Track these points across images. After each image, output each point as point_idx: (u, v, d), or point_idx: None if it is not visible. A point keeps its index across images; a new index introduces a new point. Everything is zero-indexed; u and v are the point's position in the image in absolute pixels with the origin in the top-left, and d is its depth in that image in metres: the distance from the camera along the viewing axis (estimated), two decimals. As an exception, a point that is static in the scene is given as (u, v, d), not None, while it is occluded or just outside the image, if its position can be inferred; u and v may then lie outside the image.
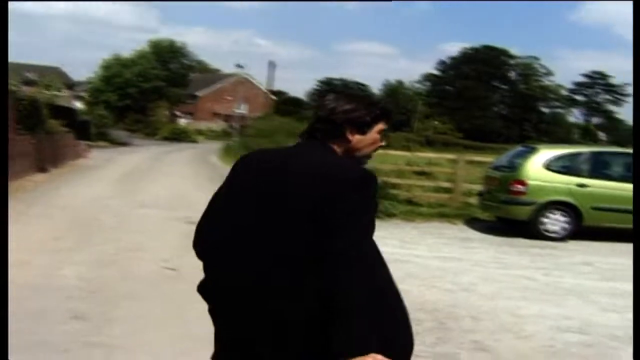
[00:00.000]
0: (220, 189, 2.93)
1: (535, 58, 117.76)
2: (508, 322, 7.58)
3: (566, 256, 12.02)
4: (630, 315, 8.07)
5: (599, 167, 14.70)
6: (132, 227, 12.56)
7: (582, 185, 13.96)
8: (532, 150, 14.95)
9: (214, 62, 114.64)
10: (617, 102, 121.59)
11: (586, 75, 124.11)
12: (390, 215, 15.61)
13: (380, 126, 2.94)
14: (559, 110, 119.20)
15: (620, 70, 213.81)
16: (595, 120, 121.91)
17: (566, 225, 13.92)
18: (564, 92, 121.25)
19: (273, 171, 2.74)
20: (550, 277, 10.10)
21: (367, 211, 2.64)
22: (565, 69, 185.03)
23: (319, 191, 2.58)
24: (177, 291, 7.87)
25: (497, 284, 9.45)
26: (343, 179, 2.62)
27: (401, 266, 10.19)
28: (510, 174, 14.53)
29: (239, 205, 2.78)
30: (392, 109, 3.27)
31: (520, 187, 14.01)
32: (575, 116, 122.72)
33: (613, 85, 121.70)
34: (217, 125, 78.10)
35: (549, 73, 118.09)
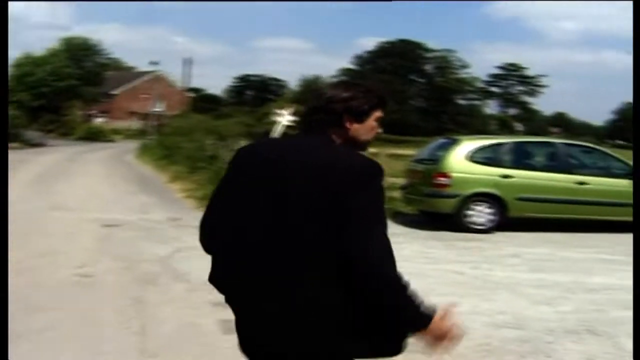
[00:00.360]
0: (221, 183, 3.01)
1: (451, 51, 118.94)
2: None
3: (493, 248, 11.82)
4: (563, 308, 7.99)
5: (521, 158, 14.59)
6: (44, 230, 11.94)
7: (505, 176, 13.79)
8: (454, 142, 14.70)
9: (129, 60, 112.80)
10: (531, 93, 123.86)
11: (501, 67, 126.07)
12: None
13: (378, 114, 2.96)
14: (476, 102, 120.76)
15: (533, 62, 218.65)
16: (511, 111, 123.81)
17: (491, 217, 13.74)
18: (480, 84, 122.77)
19: (278, 164, 2.77)
20: (479, 271, 9.86)
21: (380, 200, 2.74)
22: (480, 61, 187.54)
23: (330, 184, 2.64)
24: (92, 300, 7.40)
25: (427, 280, 9.13)
26: (353, 171, 2.69)
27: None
28: (432, 167, 14.25)
29: (246, 200, 2.82)
30: (388, 96, 3.13)
31: (443, 180, 13.74)
32: (491, 108, 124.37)
33: (527, 77, 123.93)
34: (134, 124, 76.74)
35: (464, 66, 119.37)
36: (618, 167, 14.92)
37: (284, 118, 19.14)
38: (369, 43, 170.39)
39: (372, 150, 17.98)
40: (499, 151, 14.32)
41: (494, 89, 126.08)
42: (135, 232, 12.02)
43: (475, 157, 13.95)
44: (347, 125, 2.88)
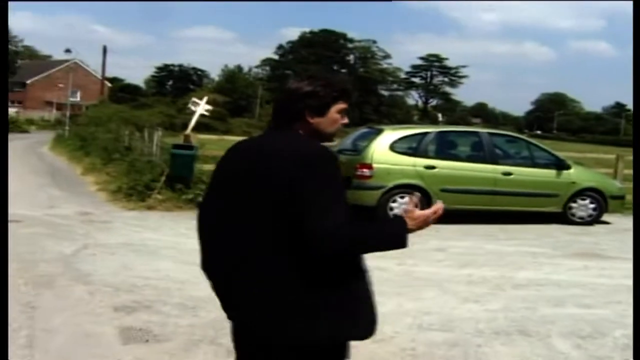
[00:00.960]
0: (211, 179, 3.27)
1: (373, 42, 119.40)
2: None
3: (417, 242, 11.12)
4: (492, 306, 7.56)
5: (445, 148, 14.16)
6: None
7: (429, 167, 13.35)
8: (376, 132, 14.12)
9: (47, 49, 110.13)
10: (452, 84, 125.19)
11: (422, 58, 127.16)
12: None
13: (340, 105, 3.11)
14: (398, 92, 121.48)
15: (454, 53, 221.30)
16: (432, 101, 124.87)
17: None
18: (402, 75, 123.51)
19: (249, 157, 3.04)
20: (404, 267, 9.35)
21: (334, 183, 2.89)
22: (402, 52, 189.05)
23: (286, 171, 2.85)
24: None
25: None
26: (306, 158, 2.88)
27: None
28: (354, 158, 13.66)
29: (222, 191, 3.10)
30: (351, 87, 3.26)
31: (365, 171, 13.17)
32: (413, 98, 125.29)
33: (448, 68, 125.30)
34: (50, 114, 74.82)
35: (387, 56, 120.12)
36: (543, 157, 14.67)
37: (200, 107, 18.44)
38: (291, 33, 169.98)
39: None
40: (422, 141, 13.80)
41: (415, 79, 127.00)
42: (39, 228, 11.23)
43: (398, 148, 13.43)
44: (309, 119, 3.05)
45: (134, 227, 11.80)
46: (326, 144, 3.07)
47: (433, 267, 9.40)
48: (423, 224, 3.01)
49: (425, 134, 14.12)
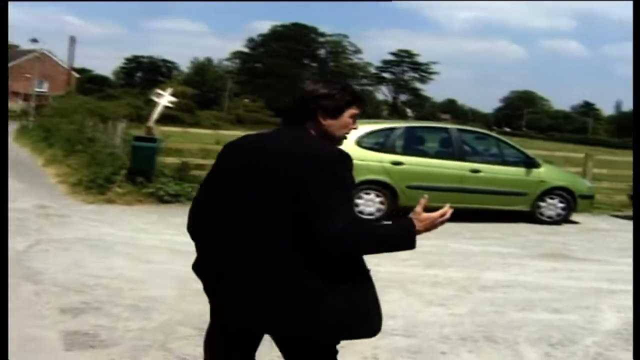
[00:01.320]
0: (209, 174, 3.27)
1: (345, 36, 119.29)
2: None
3: None
4: (458, 310, 7.26)
5: (413, 143, 13.88)
6: None
7: (396, 163, 13.06)
8: None
9: (15, 39, 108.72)
10: (422, 80, 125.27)
11: (393, 54, 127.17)
12: (191, 199, 14.17)
13: (352, 111, 3.19)
14: (368, 87, 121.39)
15: (425, 49, 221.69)
16: (402, 97, 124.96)
17: (381, 206, 13.00)
18: (373, 70, 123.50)
19: (256, 153, 3.06)
20: (368, 266, 9.06)
21: (346, 185, 2.99)
22: (373, 47, 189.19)
23: (298, 170, 2.90)
24: None
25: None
26: (321, 159, 2.94)
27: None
28: None
29: (226, 187, 3.09)
30: (365, 95, 3.10)
31: None
32: (383, 93, 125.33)
33: (419, 64, 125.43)
34: (17, 105, 73.74)
35: (357, 51, 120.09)
36: (512, 155, 14.46)
37: (164, 99, 18.04)
38: (262, 26, 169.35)
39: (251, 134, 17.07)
40: (389, 137, 13.50)
41: (386, 74, 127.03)
42: (-9, 222, 10.78)
43: (365, 143, 13.09)
44: (321, 120, 3.11)
45: (92, 221, 11.41)
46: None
47: (397, 267, 9.06)
48: (430, 225, 3.11)
49: (393, 129, 13.83)
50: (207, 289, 3.31)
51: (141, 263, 8.47)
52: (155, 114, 17.61)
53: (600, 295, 8.26)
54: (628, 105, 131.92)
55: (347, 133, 3.26)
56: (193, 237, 3.31)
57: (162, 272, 8.13)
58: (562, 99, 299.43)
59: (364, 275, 3.19)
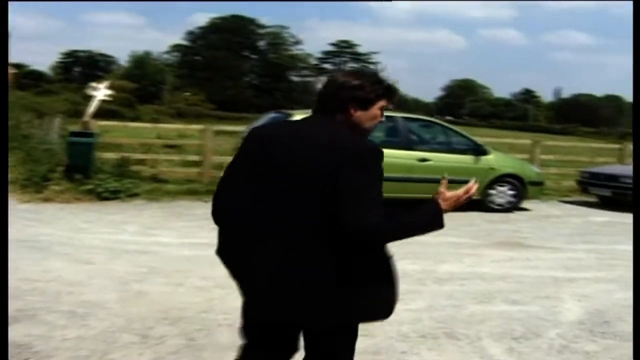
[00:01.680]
0: (234, 159, 3.27)
1: (284, 27, 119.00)
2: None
3: None
4: (415, 305, 6.94)
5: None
6: None
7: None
8: (285, 117, 13.38)
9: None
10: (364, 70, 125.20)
11: (334, 44, 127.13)
12: (132, 195, 13.71)
13: (382, 103, 3.20)
14: (309, 78, 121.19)
15: (365, 39, 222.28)
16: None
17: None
18: (313, 61, 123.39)
19: (288, 142, 3.07)
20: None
21: (377, 180, 3.00)
22: (313, 38, 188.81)
23: (332, 162, 2.93)
24: None
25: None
26: (353, 151, 2.97)
27: (142, 259, 8.50)
28: None
29: (256, 175, 3.09)
30: (396, 88, 3.34)
31: None
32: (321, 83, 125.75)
33: (360, 54, 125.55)
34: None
35: (298, 42, 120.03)
36: (460, 143, 14.23)
37: (100, 93, 17.44)
38: (201, 19, 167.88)
39: (199, 127, 16.40)
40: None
41: (327, 65, 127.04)
42: None
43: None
44: (352, 111, 3.13)
45: (28, 221, 10.85)
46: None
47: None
48: (455, 203, 3.19)
49: (288, 115, 13.40)
50: (233, 275, 3.30)
51: (80, 264, 8.02)
52: (92, 108, 16.99)
53: (559, 284, 8.03)
54: (567, 92, 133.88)
55: (375, 125, 3.26)
56: (217, 222, 3.33)
57: (102, 273, 7.68)
58: (502, 87, 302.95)
59: (387, 259, 3.22)
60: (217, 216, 3.33)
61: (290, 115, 13.37)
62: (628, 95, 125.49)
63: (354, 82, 3.15)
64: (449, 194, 3.17)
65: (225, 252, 3.31)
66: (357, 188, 2.90)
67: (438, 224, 3.13)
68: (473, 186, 3.23)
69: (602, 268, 9.11)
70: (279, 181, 3.03)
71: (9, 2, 5.64)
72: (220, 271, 8.04)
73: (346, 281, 3.02)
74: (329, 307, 3.05)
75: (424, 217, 3.12)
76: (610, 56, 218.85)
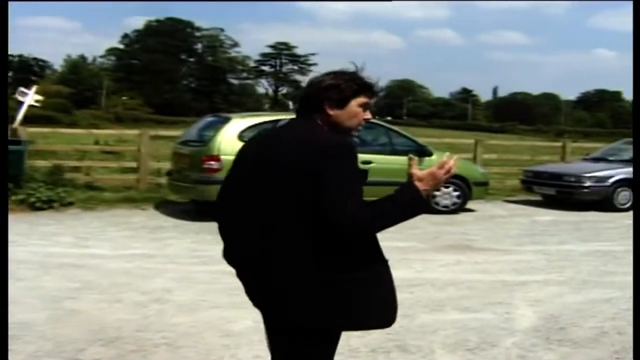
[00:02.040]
0: (232, 166, 3.33)
1: (221, 30, 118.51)
2: (217, 346, 5.70)
3: None
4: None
5: None
6: None
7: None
8: (223, 121, 12.89)
9: None
10: (302, 72, 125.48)
11: (272, 47, 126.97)
12: (66, 204, 13.19)
13: (361, 100, 3.18)
14: (248, 81, 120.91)
15: (303, 41, 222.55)
16: (283, 89, 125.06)
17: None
18: (252, 64, 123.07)
19: (268, 144, 3.16)
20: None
21: (352, 172, 2.98)
22: (251, 41, 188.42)
23: (307, 161, 2.94)
24: None
25: (198, 287, 7.56)
26: (327, 147, 2.97)
27: (75, 273, 8.06)
28: (200, 149, 12.49)
29: (242, 178, 3.20)
30: (373, 82, 3.25)
31: (213, 164, 11.96)
32: (263, 86, 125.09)
33: (298, 56, 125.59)
34: None
35: (235, 44, 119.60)
36: (403, 144, 13.93)
37: (28, 98, 16.81)
38: (137, 22, 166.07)
39: (134, 131, 15.91)
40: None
41: (265, 67, 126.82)
42: None
43: (248, 137, 12.23)
44: (328, 111, 3.12)
45: (-46, 235, 10.30)
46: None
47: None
48: (434, 181, 3.07)
49: (277, 121, 12.98)
50: (238, 274, 3.30)
51: (12, 280, 7.55)
52: (21, 114, 16.37)
53: (510, 289, 7.80)
54: (504, 91, 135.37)
55: (359, 123, 3.23)
56: (219, 229, 3.34)
57: (32, 290, 7.23)
58: (441, 87, 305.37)
59: (382, 265, 3.17)
60: (218, 224, 3.37)
61: (227, 118, 12.96)
62: (563, 94, 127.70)
63: (329, 81, 3.15)
64: (422, 173, 3.07)
65: (228, 257, 3.32)
66: (334, 181, 2.90)
67: (420, 207, 3.08)
68: (448, 161, 3.10)
69: (551, 270, 8.91)
70: (264, 184, 3.05)
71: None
72: (159, 283, 7.72)
73: (335, 283, 3.01)
74: (317, 309, 3.02)
75: (403, 202, 3.05)
76: (544, 55, 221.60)
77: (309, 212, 2.94)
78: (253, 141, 3.34)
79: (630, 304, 6.91)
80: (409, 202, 3.05)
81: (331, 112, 3.13)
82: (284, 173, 2.99)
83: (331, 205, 2.88)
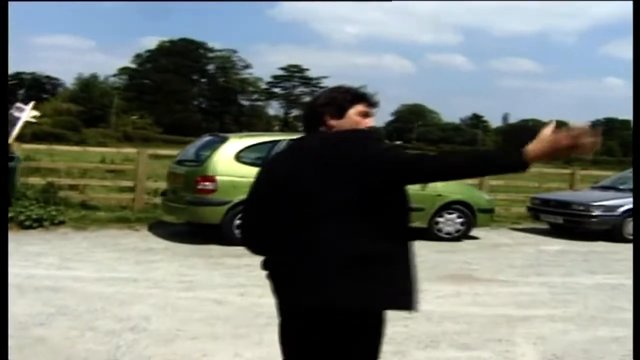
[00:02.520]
0: (253, 188, 3.39)
1: (234, 51, 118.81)
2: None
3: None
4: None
5: None
6: None
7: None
8: (220, 140, 12.44)
9: None
10: (313, 94, 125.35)
11: (284, 69, 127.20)
12: (57, 223, 12.78)
13: (359, 108, 3.29)
14: (259, 103, 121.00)
15: (316, 64, 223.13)
16: (294, 112, 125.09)
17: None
18: (263, 85, 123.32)
19: (295, 155, 3.26)
20: (247, 298, 7.90)
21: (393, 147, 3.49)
22: (263, 63, 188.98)
23: (345, 152, 3.07)
24: None
25: (178, 315, 7.11)
26: (358, 136, 3.17)
27: (52, 297, 7.63)
28: (195, 169, 12.05)
29: (275, 196, 3.21)
30: (368, 91, 3.36)
31: (207, 185, 11.56)
32: (274, 108, 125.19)
33: (309, 78, 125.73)
34: None
35: (247, 66, 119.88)
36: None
37: (25, 114, 16.42)
38: (151, 42, 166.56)
39: (132, 150, 15.53)
40: (272, 150, 12.24)
41: (277, 90, 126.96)
42: None
43: (245, 158, 11.83)
44: (330, 122, 3.26)
45: None
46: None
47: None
48: (551, 148, 2.93)
49: (276, 142, 12.55)
50: (278, 287, 3.30)
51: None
52: (16, 130, 15.97)
53: (512, 324, 7.31)
54: (514, 118, 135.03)
55: None
56: (254, 250, 3.40)
57: (1, 315, 6.77)
58: (451, 112, 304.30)
59: (411, 251, 3.28)
60: (249, 244, 3.41)
61: (225, 138, 12.51)
62: (572, 119, 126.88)
63: (326, 95, 3.33)
64: (549, 134, 2.96)
65: (269, 268, 3.32)
66: (394, 153, 3.09)
67: (515, 159, 2.97)
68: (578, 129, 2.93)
69: (556, 304, 8.43)
70: (305, 191, 3.11)
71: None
72: (137, 310, 7.26)
73: (383, 264, 3.11)
74: (368, 290, 3.09)
75: (498, 151, 3.27)
76: (554, 83, 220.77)
77: (359, 200, 3.04)
78: (274, 160, 3.55)
79: None
80: (498, 154, 3.14)
81: (333, 123, 3.24)
82: (328, 172, 3.07)
83: (411, 160, 3.04)
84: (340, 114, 3.25)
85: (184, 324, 6.80)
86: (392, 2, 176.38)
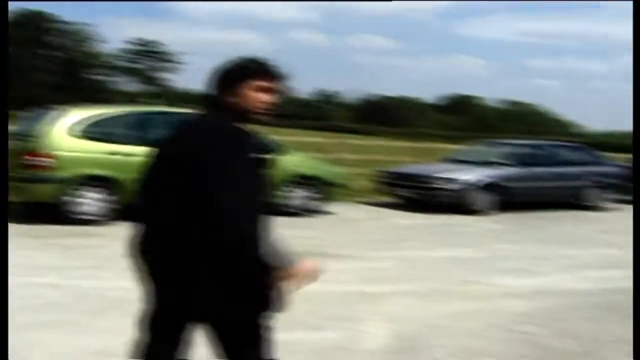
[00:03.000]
0: (148, 168, 3.28)
1: (86, 24, 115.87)
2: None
3: (110, 246, 8.79)
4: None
5: (145, 132, 11.40)
6: None
7: (124, 154, 11.11)
8: (58, 113, 11.58)
9: None
10: (167, 70, 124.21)
11: (138, 43, 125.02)
12: None
13: (257, 83, 3.12)
14: (107, 77, 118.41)
15: (171, 39, 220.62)
16: (143, 86, 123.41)
17: (106, 205, 11.14)
18: (117, 60, 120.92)
19: (177, 135, 3.21)
20: (90, 282, 7.37)
21: (242, 159, 2.98)
22: (117, 36, 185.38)
23: (196, 145, 3.00)
24: None
25: (17, 303, 6.50)
26: (216, 134, 3.03)
27: None
28: (27, 144, 11.15)
29: (158, 171, 3.18)
30: (272, 65, 3.21)
31: (41, 160, 10.81)
32: (123, 83, 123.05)
33: (164, 53, 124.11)
34: None
35: (100, 40, 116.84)
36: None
37: None
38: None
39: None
40: (115, 124, 11.51)
41: (130, 64, 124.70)
42: None
43: (85, 132, 11.15)
44: (224, 98, 3.14)
45: None
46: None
47: (127, 281, 7.41)
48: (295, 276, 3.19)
49: (119, 115, 11.82)
50: (150, 274, 3.25)
51: None
52: None
53: (363, 301, 7.10)
54: (367, 94, 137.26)
55: (261, 107, 3.17)
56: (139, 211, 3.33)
57: None
58: (305, 88, 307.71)
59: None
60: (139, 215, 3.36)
61: (64, 111, 11.69)
62: (426, 97, 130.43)
63: (224, 67, 3.18)
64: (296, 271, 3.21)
65: (143, 253, 3.28)
66: (219, 166, 2.93)
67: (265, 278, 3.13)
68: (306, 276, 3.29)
69: (410, 280, 8.25)
70: (172, 173, 3.06)
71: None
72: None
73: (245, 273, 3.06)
74: (236, 298, 3.08)
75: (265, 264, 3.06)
76: (406, 59, 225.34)
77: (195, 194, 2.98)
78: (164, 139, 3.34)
79: (493, 318, 6.34)
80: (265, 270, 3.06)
81: (230, 100, 3.12)
82: (182, 161, 3.03)
83: (215, 192, 2.92)
84: (232, 89, 3.12)
85: (14, 312, 6.21)
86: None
